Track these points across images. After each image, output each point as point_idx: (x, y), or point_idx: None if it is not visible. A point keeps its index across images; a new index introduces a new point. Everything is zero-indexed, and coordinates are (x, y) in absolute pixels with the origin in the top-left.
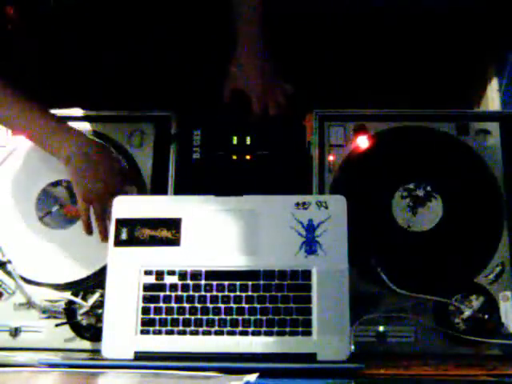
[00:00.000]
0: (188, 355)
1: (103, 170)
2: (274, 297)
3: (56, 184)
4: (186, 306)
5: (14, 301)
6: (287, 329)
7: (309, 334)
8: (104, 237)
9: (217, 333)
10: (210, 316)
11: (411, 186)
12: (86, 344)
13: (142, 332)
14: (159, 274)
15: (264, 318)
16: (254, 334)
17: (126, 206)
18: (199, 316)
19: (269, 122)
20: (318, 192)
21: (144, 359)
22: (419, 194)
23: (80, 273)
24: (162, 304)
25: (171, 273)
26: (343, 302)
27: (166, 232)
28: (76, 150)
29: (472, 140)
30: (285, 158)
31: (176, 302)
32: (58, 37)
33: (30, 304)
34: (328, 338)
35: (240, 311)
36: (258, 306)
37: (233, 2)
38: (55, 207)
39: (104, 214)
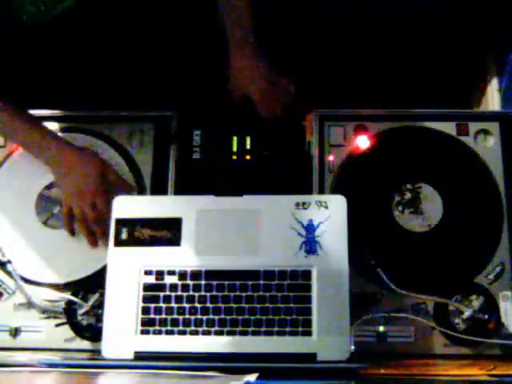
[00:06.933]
0: (188, 355)
1: (80, 176)
2: (274, 297)
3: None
4: (186, 305)
5: (14, 301)
6: (287, 329)
7: (309, 334)
8: (90, 241)
9: (217, 333)
10: (210, 316)
11: (410, 186)
12: (86, 344)
13: (142, 332)
14: (159, 274)
15: (264, 317)
16: (254, 333)
17: (126, 206)
18: (199, 316)
19: (271, 122)
20: (317, 192)
21: (144, 359)
22: (419, 195)
23: (80, 273)
24: (162, 304)
25: (171, 273)
26: (343, 302)
27: (166, 232)
28: (55, 154)
29: (472, 140)
30: (285, 158)
31: (176, 302)
32: (57, 37)
33: (29, 304)
34: (328, 338)
35: (240, 311)
36: (258, 305)
37: (220, 10)
38: (56, 208)
39: (88, 218)
